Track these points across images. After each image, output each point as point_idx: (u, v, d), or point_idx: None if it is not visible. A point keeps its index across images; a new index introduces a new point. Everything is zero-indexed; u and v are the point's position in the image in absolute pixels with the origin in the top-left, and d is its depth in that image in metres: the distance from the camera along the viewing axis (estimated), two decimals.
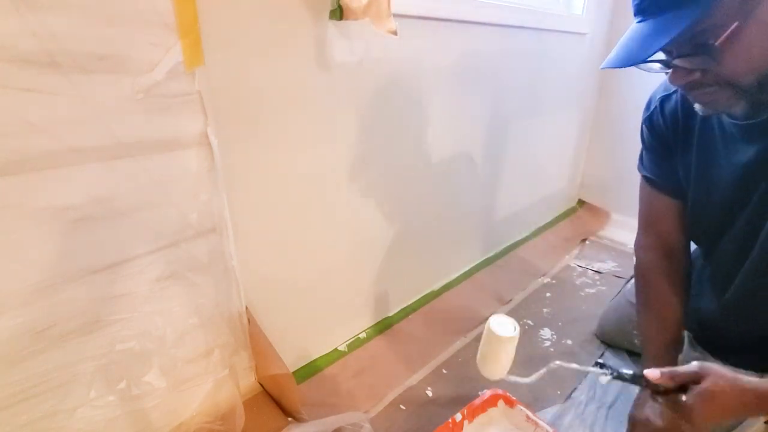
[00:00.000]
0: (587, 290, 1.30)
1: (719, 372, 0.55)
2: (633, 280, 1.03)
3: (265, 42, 0.67)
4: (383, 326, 1.09)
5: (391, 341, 1.06)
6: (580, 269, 1.43)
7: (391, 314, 1.13)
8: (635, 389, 0.76)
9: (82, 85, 0.50)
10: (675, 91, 0.70)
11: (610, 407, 0.88)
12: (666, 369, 0.57)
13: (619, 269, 1.41)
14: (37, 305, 0.53)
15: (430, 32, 0.92)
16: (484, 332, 0.67)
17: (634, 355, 1.02)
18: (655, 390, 0.58)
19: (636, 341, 0.99)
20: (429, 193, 1.10)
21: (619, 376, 0.61)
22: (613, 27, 1.59)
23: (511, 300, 1.24)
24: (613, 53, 0.55)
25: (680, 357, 0.77)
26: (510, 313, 1.18)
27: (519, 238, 1.57)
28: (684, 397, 0.55)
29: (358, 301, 1.03)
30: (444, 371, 0.97)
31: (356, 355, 1.00)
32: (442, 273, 1.27)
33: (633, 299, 1.01)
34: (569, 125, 1.61)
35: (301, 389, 0.89)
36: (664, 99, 0.72)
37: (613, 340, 1.06)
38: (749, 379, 0.54)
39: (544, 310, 1.20)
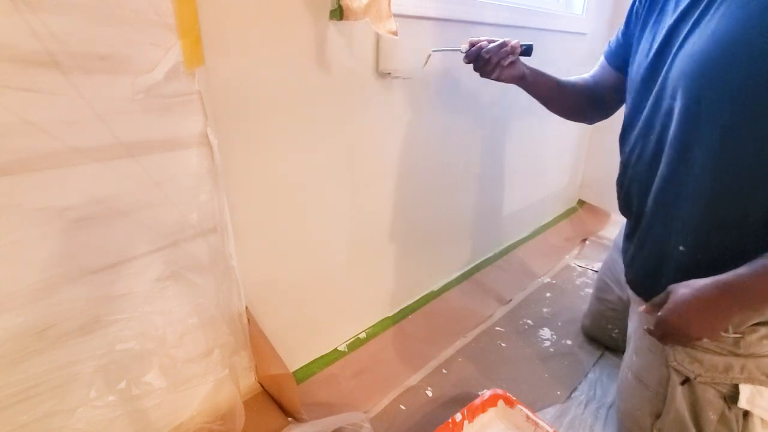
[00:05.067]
0: (587, 290, 1.30)
1: (684, 283, 0.60)
2: (600, 275, 1.03)
3: (265, 42, 0.67)
4: (383, 326, 1.10)
5: (391, 341, 1.06)
6: (580, 269, 1.43)
7: (391, 314, 1.13)
8: None
9: (82, 85, 0.50)
10: None
11: (610, 407, 0.88)
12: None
13: None
14: (37, 305, 0.53)
15: (430, 32, 0.92)
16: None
17: (610, 350, 1.04)
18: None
19: (613, 335, 1.00)
20: (429, 193, 1.10)
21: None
22: (613, 27, 1.59)
23: (511, 300, 1.24)
24: None
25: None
26: (510, 313, 1.19)
27: (519, 238, 1.57)
28: (659, 313, 0.62)
29: (358, 301, 1.03)
30: (444, 371, 0.97)
31: (356, 355, 1.00)
32: (442, 273, 1.27)
33: (600, 295, 1.03)
34: (569, 125, 1.61)
35: (301, 389, 0.89)
36: None
37: (594, 334, 1.07)
38: (717, 277, 0.56)
39: (544, 310, 1.20)
